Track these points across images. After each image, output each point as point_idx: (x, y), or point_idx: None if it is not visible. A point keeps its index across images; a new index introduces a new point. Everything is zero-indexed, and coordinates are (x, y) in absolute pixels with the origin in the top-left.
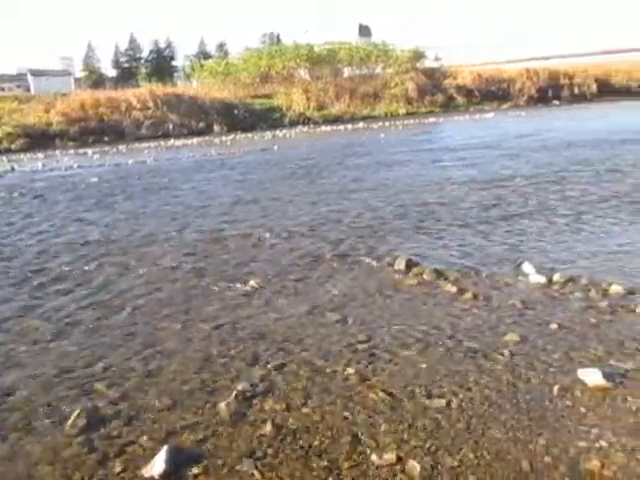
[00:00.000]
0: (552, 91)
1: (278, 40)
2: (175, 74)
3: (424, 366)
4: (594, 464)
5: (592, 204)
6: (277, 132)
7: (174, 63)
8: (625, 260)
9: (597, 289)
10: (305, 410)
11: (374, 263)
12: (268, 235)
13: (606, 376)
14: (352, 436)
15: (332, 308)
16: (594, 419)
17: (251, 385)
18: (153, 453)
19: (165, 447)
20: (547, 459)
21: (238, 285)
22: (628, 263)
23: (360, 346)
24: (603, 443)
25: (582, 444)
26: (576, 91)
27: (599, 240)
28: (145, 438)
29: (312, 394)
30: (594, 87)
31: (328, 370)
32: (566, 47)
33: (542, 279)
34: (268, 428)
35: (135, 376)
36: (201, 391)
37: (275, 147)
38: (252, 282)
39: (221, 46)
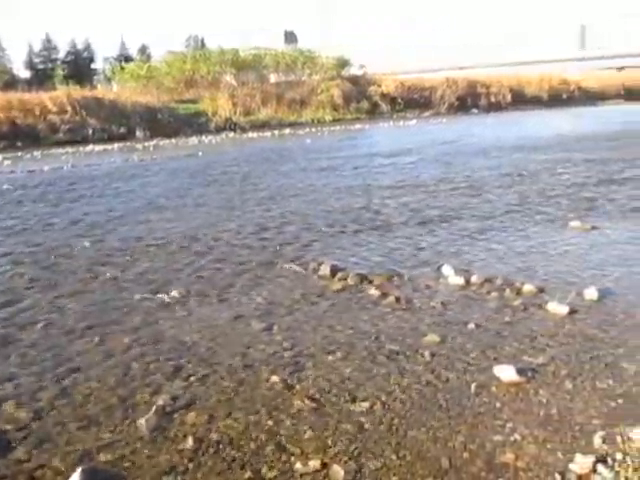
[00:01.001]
0: (471, 100)
1: (202, 44)
2: (95, 77)
3: (348, 370)
4: (508, 457)
5: (507, 208)
6: (203, 138)
7: (93, 65)
8: (537, 260)
9: (511, 289)
10: (228, 421)
11: (299, 269)
12: (191, 243)
13: (519, 372)
14: (276, 445)
15: (257, 316)
16: (508, 413)
17: (172, 399)
18: (66, 476)
19: (79, 469)
20: (465, 455)
21: (159, 295)
22: (539, 263)
23: (285, 353)
24: (517, 436)
25: (497, 438)
26: (493, 100)
27: (514, 242)
28: (57, 461)
29: (235, 405)
30: (509, 97)
31: (252, 379)
32: (482, 58)
33: (461, 280)
34: (189, 442)
35: (47, 395)
36: (119, 408)
37: (200, 153)
38: (174, 292)
39: (143, 49)
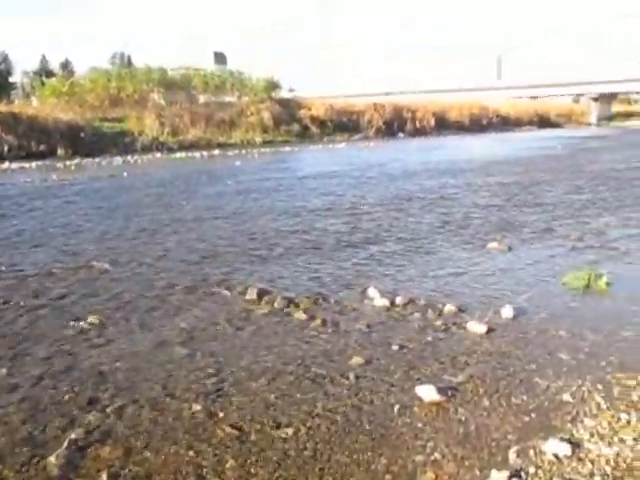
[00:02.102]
0: (397, 124)
1: (129, 62)
2: (12, 92)
3: (273, 396)
4: (429, 476)
5: (429, 230)
6: (128, 157)
7: (11, 80)
8: (457, 281)
9: (433, 309)
10: (146, 454)
11: (226, 293)
12: (112, 267)
13: (440, 391)
14: (197, 476)
15: (180, 342)
16: (429, 433)
17: (86, 432)
18: None
19: None
20: (388, 477)
21: (76, 322)
22: (460, 283)
23: (208, 381)
24: (437, 455)
25: (419, 458)
26: (418, 125)
27: (436, 263)
28: None
29: (155, 436)
30: (433, 122)
31: (173, 408)
32: (408, 86)
33: (385, 302)
34: (103, 478)
35: None
36: (27, 444)
37: (125, 173)
38: (92, 318)
39: (65, 64)
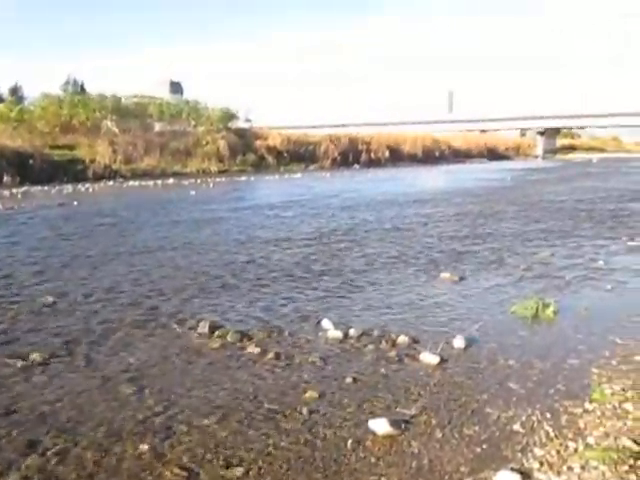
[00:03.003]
0: (352, 155)
1: (82, 89)
2: None
3: (224, 434)
4: None
5: (384, 260)
6: (79, 186)
7: None
8: (411, 311)
9: (387, 340)
10: None
11: (176, 327)
12: (57, 300)
13: (393, 424)
14: None
15: (127, 379)
16: (383, 467)
17: (23, 478)
18: None
19: None
20: None
21: (17, 360)
22: (413, 314)
23: (156, 419)
24: None
25: None
26: (372, 156)
27: (390, 293)
28: None
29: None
30: (387, 153)
31: (118, 450)
32: (363, 118)
33: (340, 334)
34: None
35: None
36: None
37: (75, 202)
38: (34, 355)
39: (15, 90)
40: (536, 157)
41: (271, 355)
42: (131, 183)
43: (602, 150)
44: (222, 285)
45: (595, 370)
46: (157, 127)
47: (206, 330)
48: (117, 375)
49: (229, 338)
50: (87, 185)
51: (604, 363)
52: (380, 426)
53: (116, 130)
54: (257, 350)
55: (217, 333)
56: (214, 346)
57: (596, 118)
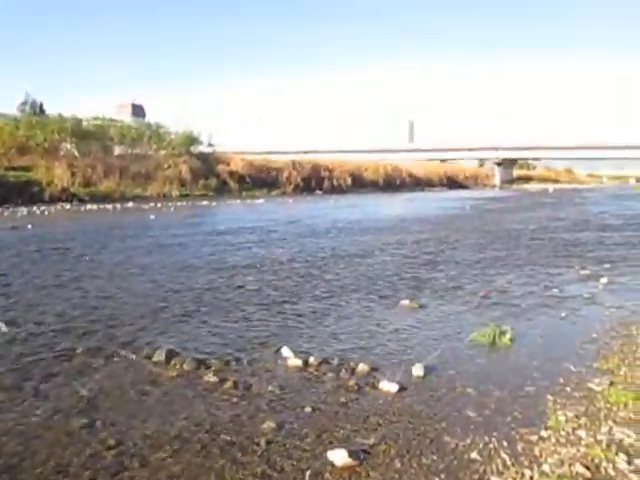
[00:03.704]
0: (315, 182)
1: (41, 110)
2: None
3: (178, 467)
4: None
5: (344, 287)
6: (34, 208)
7: None
8: (371, 339)
9: (347, 368)
10: None
11: (132, 356)
12: (6, 327)
13: (351, 454)
14: None
15: (78, 411)
16: None
17: None
18: None
19: None
20: None
21: None
22: (373, 342)
23: (108, 453)
24: None
25: None
26: (335, 183)
27: (350, 321)
28: None
29: None
30: (349, 180)
31: None
32: (325, 144)
33: (299, 362)
34: None
35: None
36: None
37: (30, 225)
38: None
39: None
40: (494, 187)
41: (229, 384)
42: (89, 206)
43: (556, 181)
44: (180, 312)
45: (550, 397)
46: (117, 150)
47: (162, 358)
48: (67, 407)
49: (186, 366)
50: (43, 208)
51: (559, 390)
52: (339, 457)
53: (76, 152)
54: (215, 379)
55: (174, 361)
56: (170, 375)
57: (550, 150)
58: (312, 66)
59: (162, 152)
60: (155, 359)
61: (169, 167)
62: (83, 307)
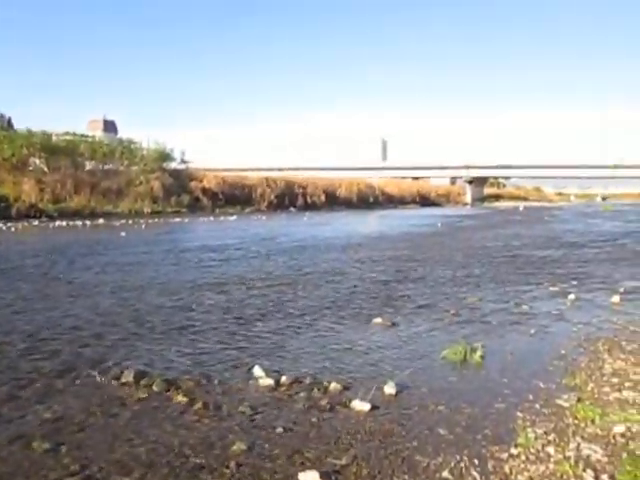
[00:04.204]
0: (289, 199)
1: (10, 125)
2: None
3: None
4: None
5: (318, 305)
6: (0, 225)
7: None
8: (343, 357)
9: (319, 388)
10: None
11: (99, 377)
12: None
13: (323, 476)
14: None
15: (42, 435)
16: None
17: None
18: None
19: None
20: None
21: None
22: (346, 360)
23: (71, 479)
24: None
25: None
26: (309, 200)
27: (323, 339)
28: None
29: None
30: (323, 197)
31: None
32: (300, 162)
33: (271, 382)
34: None
35: None
36: None
37: None
38: None
39: None
40: (465, 204)
41: (199, 405)
42: (58, 223)
43: (525, 199)
44: (150, 331)
45: (520, 414)
46: (88, 166)
47: (131, 379)
48: (31, 431)
49: (155, 387)
50: (10, 224)
51: (528, 407)
52: (310, 479)
53: (45, 168)
54: (185, 400)
55: (143, 382)
56: (139, 396)
57: (520, 169)
58: None
59: (134, 168)
60: (123, 380)
61: (141, 183)
62: (49, 327)
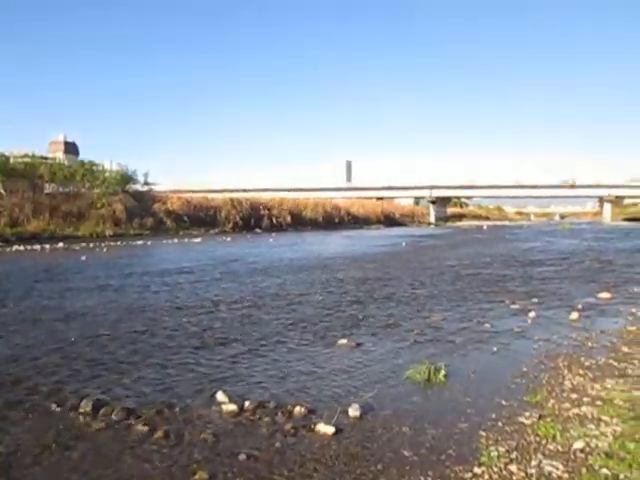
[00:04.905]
0: (254, 220)
1: None
2: None
3: None
4: None
5: (282, 327)
6: None
7: None
8: (308, 380)
9: (283, 412)
10: None
11: (56, 407)
12: None
13: None
14: None
15: None
16: None
17: None
18: None
19: None
20: None
21: None
22: (310, 383)
23: None
24: None
25: None
26: (274, 221)
27: (287, 362)
28: None
29: None
30: (289, 218)
31: None
32: (265, 182)
33: (234, 407)
34: None
35: None
36: None
37: None
38: None
39: None
40: (429, 224)
41: (160, 433)
42: (16, 247)
43: (488, 218)
44: (110, 358)
45: (483, 433)
46: (48, 188)
47: (89, 409)
48: None
49: (114, 416)
50: None
51: (491, 425)
52: None
53: (2, 190)
54: (145, 429)
55: (102, 412)
56: (97, 427)
57: (482, 189)
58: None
59: (96, 190)
60: (81, 410)
61: (103, 206)
62: (3, 356)
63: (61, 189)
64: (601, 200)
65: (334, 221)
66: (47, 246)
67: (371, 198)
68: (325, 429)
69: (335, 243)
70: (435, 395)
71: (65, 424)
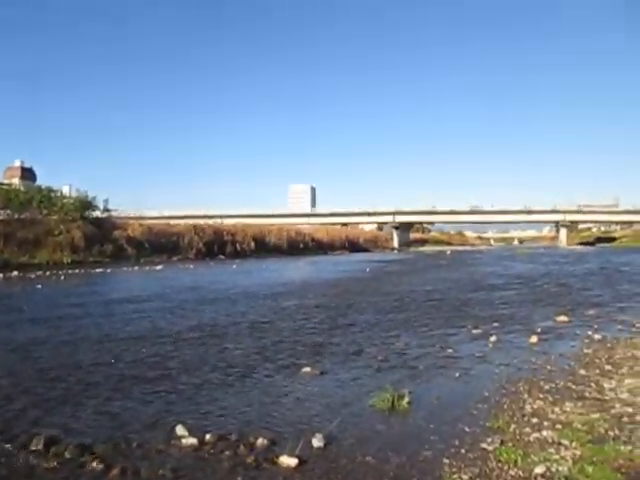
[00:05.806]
0: (218, 246)
1: None
2: None
3: None
4: None
5: (245, 356)
6: None
7: None
8: (271, 410)
9: (245, 444)
10: None
11: (5, 445)
12: None
13: None
14: None
15: None
16: None
17: None
18: None
19: None
20: None
21: None
22: (273, 413)
23: None
24: None
25: None
26: (238, 247)
27: (250, 392)
28: None
29: None
30: (253, 244)
31: None
32: (228, 208)
33: (194, 441)
34: None
35: None
36: None
37: None
38: None
39: None
40: (393, 249)
41: (116, 471)
42: None
43: (449, 243)
44: (64, 392)
45: (446, 460)
46: (2, 215)
47: (41, 447)
48: None
49: (67, 454)
50: None
51: (454, 452)
52: None
53: None
54: (100, 466)
55: (54, 449)
56: (49, 465)
57: (443, 215)
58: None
59: (53, 217)
60: (32, 448)
61: (60, 233)
62: None
63: (16, 216)
64: (557, 225)
65: (298, 247)
66: (0, 275)
67: (336, 224)
68: (288, 461)
69: (299, 269)
70: (399, 422)
71: (14, 463)
